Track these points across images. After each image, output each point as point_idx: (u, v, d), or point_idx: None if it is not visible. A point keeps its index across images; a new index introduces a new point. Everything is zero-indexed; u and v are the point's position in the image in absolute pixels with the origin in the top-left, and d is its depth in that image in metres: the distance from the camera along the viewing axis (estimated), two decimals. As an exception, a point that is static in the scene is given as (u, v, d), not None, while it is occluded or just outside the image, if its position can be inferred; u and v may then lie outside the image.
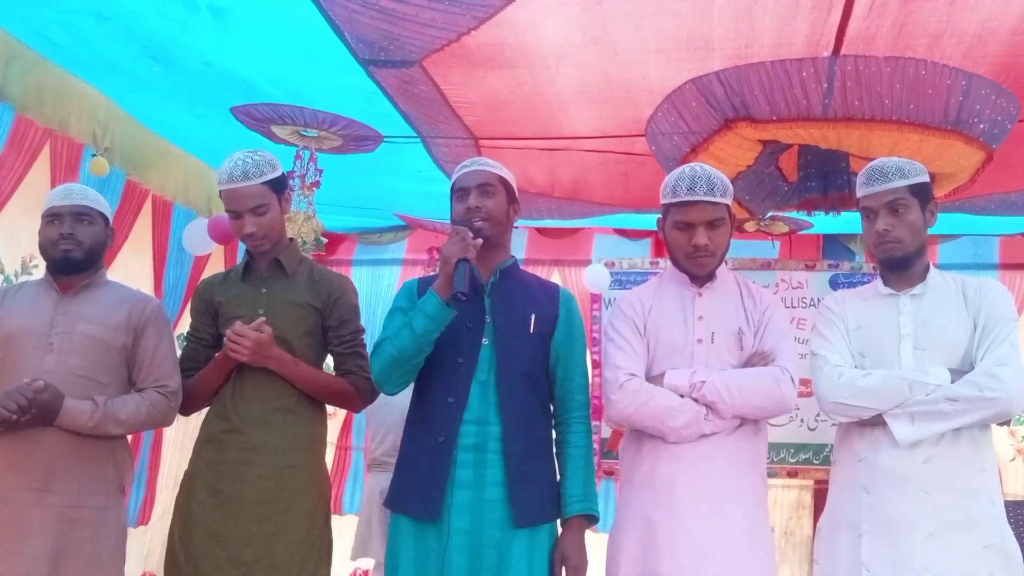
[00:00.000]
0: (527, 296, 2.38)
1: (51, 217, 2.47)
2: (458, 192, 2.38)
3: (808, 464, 5.25)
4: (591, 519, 2.31)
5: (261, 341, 2.37)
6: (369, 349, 2.48)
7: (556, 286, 2.51)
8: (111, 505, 2.43)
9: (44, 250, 2.50)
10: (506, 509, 2.20)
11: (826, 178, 3.69)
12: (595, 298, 5.62)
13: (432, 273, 2.50)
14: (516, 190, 2.44)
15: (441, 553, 2.17)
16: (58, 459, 2.32)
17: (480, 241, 2.23)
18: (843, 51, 2.82)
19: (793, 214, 4.58)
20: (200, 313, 2.59)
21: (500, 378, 2.27)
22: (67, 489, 2.33)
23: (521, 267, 2.47)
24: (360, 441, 5.77)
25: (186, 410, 2.58)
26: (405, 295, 2.39)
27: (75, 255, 2.46)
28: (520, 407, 2.28)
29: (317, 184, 3.99)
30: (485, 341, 2.29)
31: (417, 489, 2.23)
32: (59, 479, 2.32)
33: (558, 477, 2.34)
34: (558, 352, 2.37)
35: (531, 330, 2.33)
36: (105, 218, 2.56)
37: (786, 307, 5.29)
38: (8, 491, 2.29)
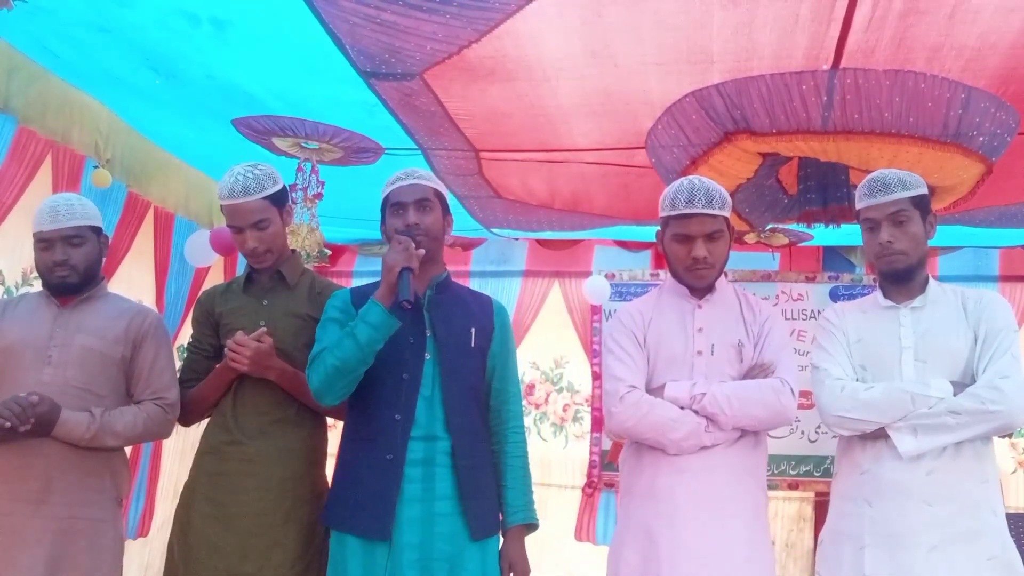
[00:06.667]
0: (465, 309, 2.39)
1: (41, 243, 2.44)
2: (394, 206, 2.36)
3: (809, 476, 5.24)
4: (531, 527, 2.35)
5: (261, 351, 2.38)
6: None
7: (489, 298, 2.50)
8: (108, 517, 2.43)
9: (40, 273, 2.49)
10: (457, 522, 2.20)
11: (826, 190, 3.69)
12: (595, 310, 5.61)
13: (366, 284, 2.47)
14: (447, 200, 2.44)
15: (391, 570, 2.15)
16: (55, 471, 2.32)
17: (423, 251, 2.23)
18: (843, 64, 2.83)
19: (793, 226, 4.58)
20: (201, 324, 2.59)
21: (445, 393, 2.26)
22: (64, 501, 2.32)
23: (454, 280, 2.46)
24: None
25: (186, 421, 2.59)
26: (339, 305, 2.35)
27: (71, 280, 2.45)
28: (466, 421, 2.29)
29: (319, 196, 3.98)
30: (428, 356, 2.28)
31: (365, 507, 2.20)
32: (56, 491, 2.31)
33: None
34: (494, 364, 2.39)
35: (472, 344, 2.33)
36: (97, 230, 2.52)
37: (786, 319, 5.29)
38: (5, 502, 2.29)
